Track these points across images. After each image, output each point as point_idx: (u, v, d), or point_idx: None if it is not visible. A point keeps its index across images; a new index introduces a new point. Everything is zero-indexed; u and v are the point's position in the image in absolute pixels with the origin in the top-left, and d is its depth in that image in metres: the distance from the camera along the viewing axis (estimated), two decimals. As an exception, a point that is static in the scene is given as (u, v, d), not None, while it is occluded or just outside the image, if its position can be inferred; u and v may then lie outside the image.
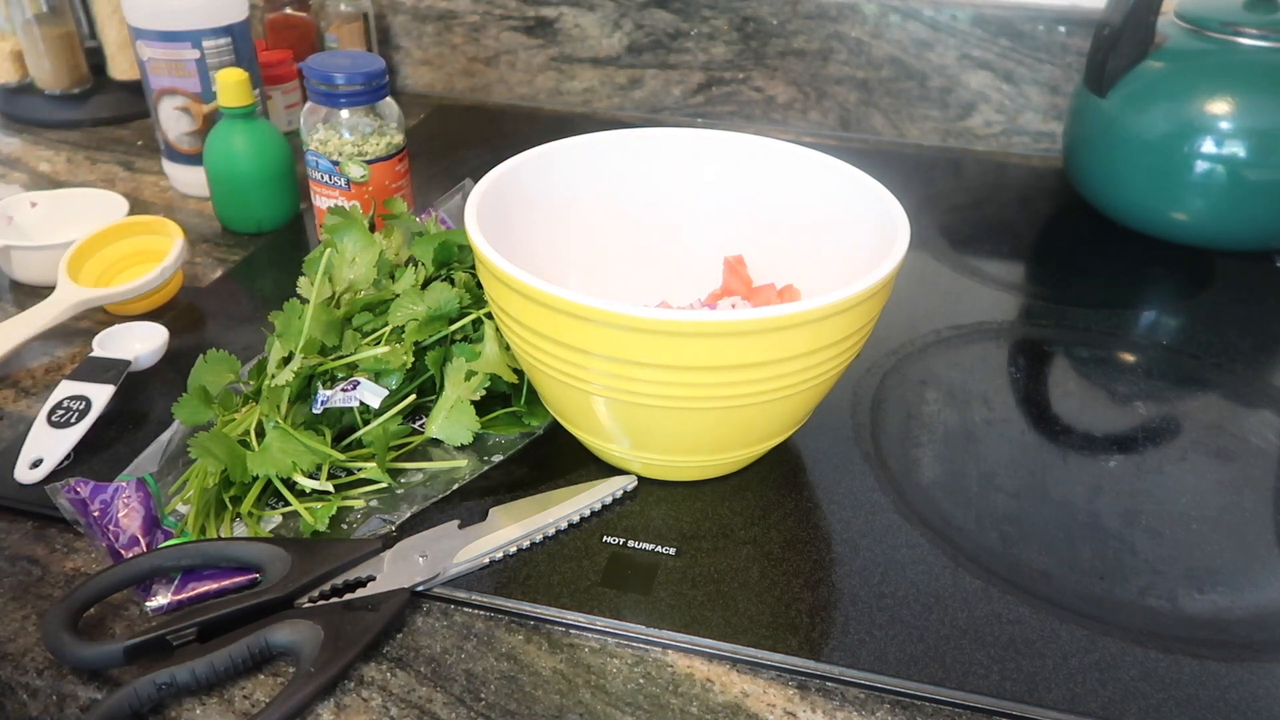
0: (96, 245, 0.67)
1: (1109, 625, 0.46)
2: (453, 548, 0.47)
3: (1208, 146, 0.72)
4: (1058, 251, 0.80)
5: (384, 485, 0.51)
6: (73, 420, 0.54)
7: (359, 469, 0.51)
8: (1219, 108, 0.72)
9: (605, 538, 0.49)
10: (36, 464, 0.52)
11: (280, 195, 0.77)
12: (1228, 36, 0.74)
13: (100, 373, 0.57)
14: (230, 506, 0.49)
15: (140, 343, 0.60)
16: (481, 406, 0.54)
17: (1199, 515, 0.52)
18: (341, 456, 0.51)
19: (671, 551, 0.49)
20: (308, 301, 0.54)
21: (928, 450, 0.56)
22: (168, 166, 0.83)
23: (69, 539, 0.49)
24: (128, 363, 0.58)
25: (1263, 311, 0.71)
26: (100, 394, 0.56)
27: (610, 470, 0.53)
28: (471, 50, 1.04)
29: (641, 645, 0.45)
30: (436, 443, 0.54)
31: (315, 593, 0.45)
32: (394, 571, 0.46)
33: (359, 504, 0.50)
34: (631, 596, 0.46)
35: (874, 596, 0.47)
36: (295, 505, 0.48)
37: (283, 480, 0.49)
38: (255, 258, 0.74)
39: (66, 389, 0.56)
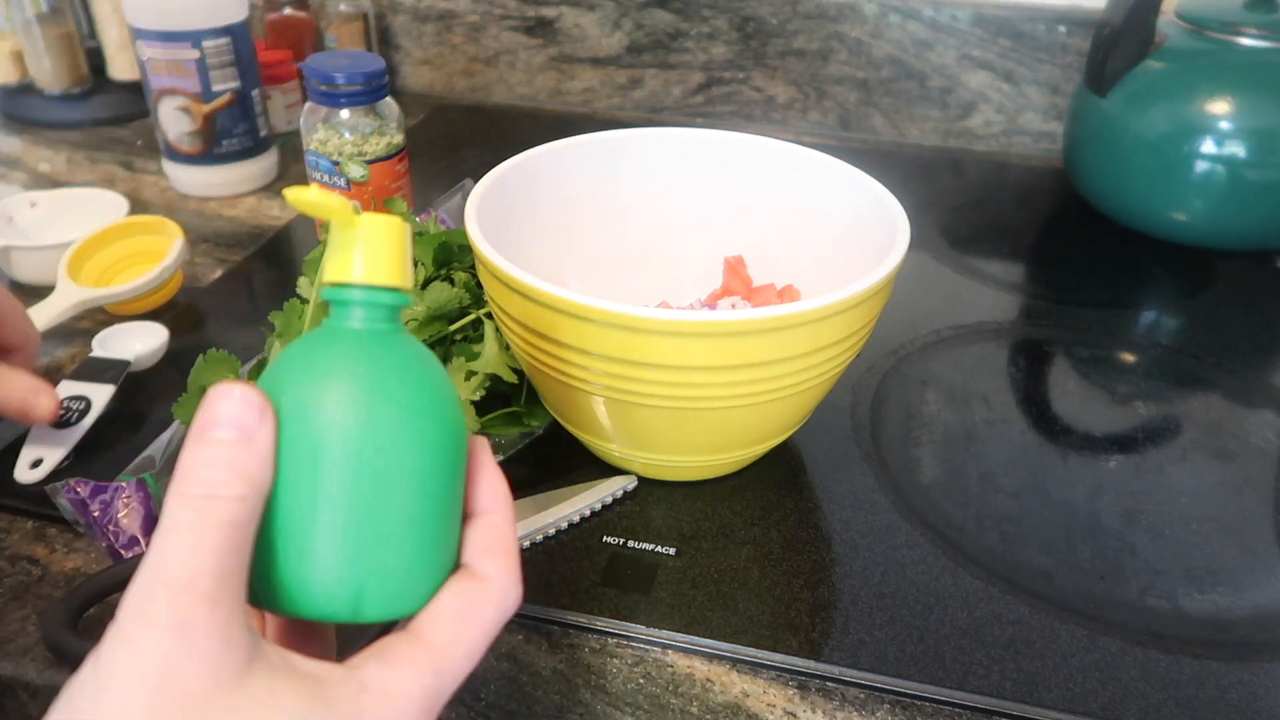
0: (96, 245, 0.67)
1: (1109, 625, 0.46)
2: (453, 548, 0.47)
3: (1208, 146, 0.72)
4: (1058, 251, 0.80)
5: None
6: (73, 420, 0.54)
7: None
8: (1219, 108, 0.72)
9: (605, 538, 0.49)
10: (36, 464, 0.52)
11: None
12: (1228, 36, 0.74)
13: (100, 373, 0.57)
14: (230, 506, 0.49)
15: (140, 343, 0.60)
16: (481, 406, 0.54)
17: (1199, 515, 0.52)
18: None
19: (671, 551, 0.49)
20: (308, 301, 0.54)
21: (928, 450, 0.56)
22: (168, 166, 0.83)
23: (69, 539, 0.49)
24: (128, 363, 0.58)
25: (1263, 311, 0.71)
26: (100, 394, 0.55)
27: (610, 470, 0.53)
28: (471, 50, 1.04)
29: (641, 645, 0.45)
30: (436, 443, 0.54)
31: (315, 593, 0.45)
32: (394, 571, 0.46)
33: (359, 504, 0.50)
34: (631, 596, 0.46)
35: (874, 596, 0.47)
36: (295, 505, 0.48)
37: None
38: (255, 258, 0.74)
39: (66, 389, 0.56)
